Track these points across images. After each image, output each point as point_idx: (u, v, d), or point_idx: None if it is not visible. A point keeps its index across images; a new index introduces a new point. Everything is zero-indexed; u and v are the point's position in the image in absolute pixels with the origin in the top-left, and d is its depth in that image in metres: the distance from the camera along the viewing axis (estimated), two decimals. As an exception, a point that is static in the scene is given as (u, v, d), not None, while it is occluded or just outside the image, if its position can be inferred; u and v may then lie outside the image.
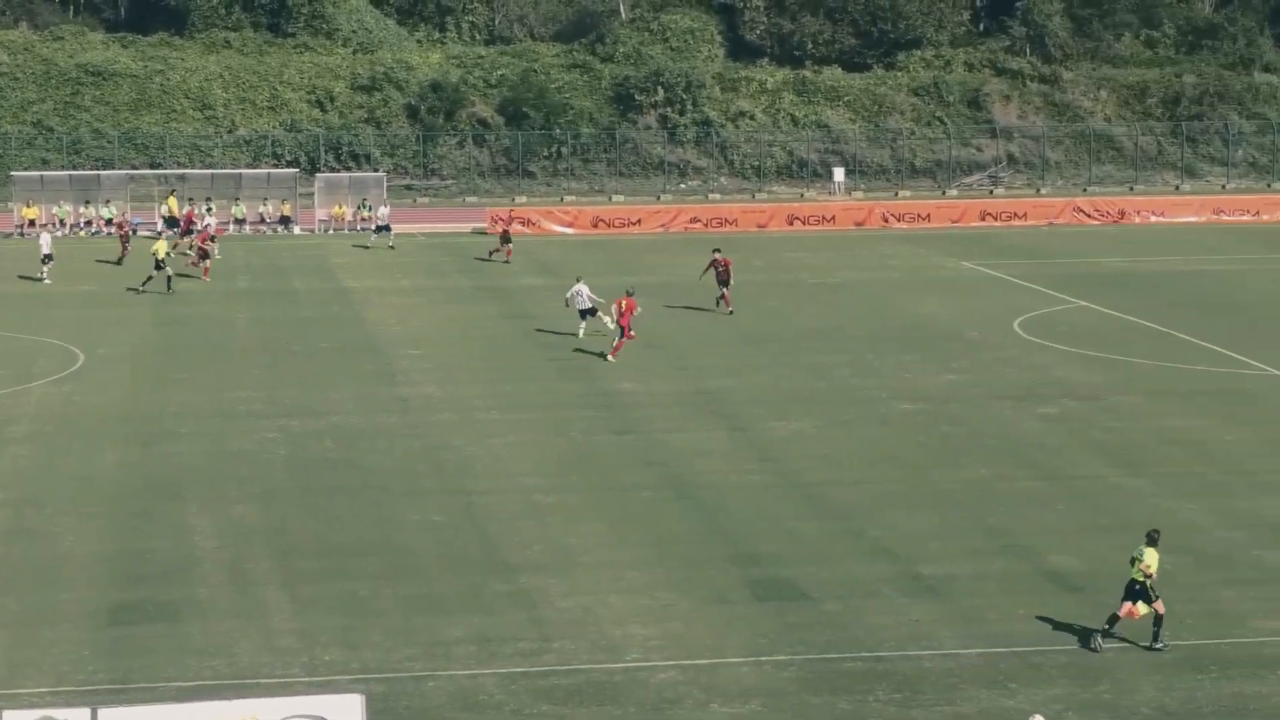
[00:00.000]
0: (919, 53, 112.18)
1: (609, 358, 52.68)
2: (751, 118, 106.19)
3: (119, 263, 72.38)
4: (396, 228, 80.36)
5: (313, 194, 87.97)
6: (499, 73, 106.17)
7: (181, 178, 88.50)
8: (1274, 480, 39.62)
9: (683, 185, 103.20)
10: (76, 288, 67.35)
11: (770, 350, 54.72)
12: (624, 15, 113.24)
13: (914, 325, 59.35)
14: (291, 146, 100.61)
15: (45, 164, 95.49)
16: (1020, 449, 42.40)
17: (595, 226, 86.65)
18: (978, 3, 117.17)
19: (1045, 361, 52.95)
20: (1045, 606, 31.02)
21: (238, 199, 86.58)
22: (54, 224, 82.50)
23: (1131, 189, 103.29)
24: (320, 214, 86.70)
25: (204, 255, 69.99)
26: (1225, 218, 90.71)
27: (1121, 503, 37.69)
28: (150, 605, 31.14)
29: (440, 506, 37.33)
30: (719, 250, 62.20)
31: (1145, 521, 34.48)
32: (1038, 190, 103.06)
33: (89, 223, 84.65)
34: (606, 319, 54.95)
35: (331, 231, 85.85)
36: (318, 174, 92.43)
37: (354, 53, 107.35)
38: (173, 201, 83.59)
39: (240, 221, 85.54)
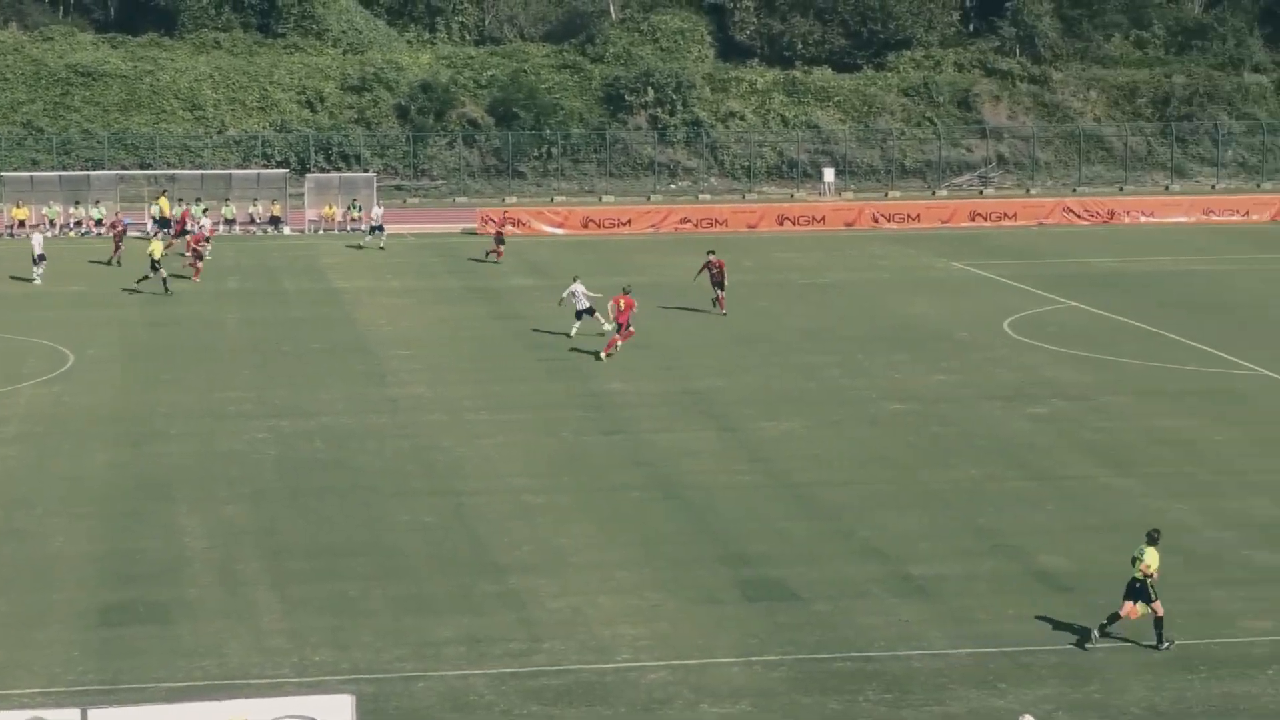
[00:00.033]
0: (909, 53, 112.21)
1: (602, 355, 52.70)
2: (741, 118, 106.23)
3: (110, 263, 72.37)
4: (387, 228, 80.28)
5: (303, 194, 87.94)
6: (489, 73, 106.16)
7: (171, 178, 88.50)
8: (1263, 480, 39.68)
9: (673, 186, 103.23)
10: (66, 288, 67.28)
11: (760, 350, 54.74)
12: (614, 16, 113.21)
13: (904, 326, 59.39)
14: (281, 147, 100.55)
15: (35, 164, 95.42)
16: (1010, 449, 42.45)
17: (585, 227, 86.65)
18: (967, 3, 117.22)
19: (1035, 362, 53.01)
20: (1035, 607, 31.05)
21: (228, 199, 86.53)
22: (44, 225, 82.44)
23: (1121, 189, 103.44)
24: (310, 214, 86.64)
25: (198, 256, 69.95)
26: (1215, 218, 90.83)
27: (1111, 503, 37.74)
28: (140, 606, 31.13)
29: (430, 507, 37.33)
30: (713, 252, 62.14)
31: (1135, 521, 34.61)
32: (1027, 190, 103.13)
33: (79, 223, 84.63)
34: (606, 324, 54.89)
35: (321, 232, 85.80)
36: (308, 174, 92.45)
37: (344, 53, 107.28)
38: (164, 202, 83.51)
39: (230, 222, 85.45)
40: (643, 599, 31.51)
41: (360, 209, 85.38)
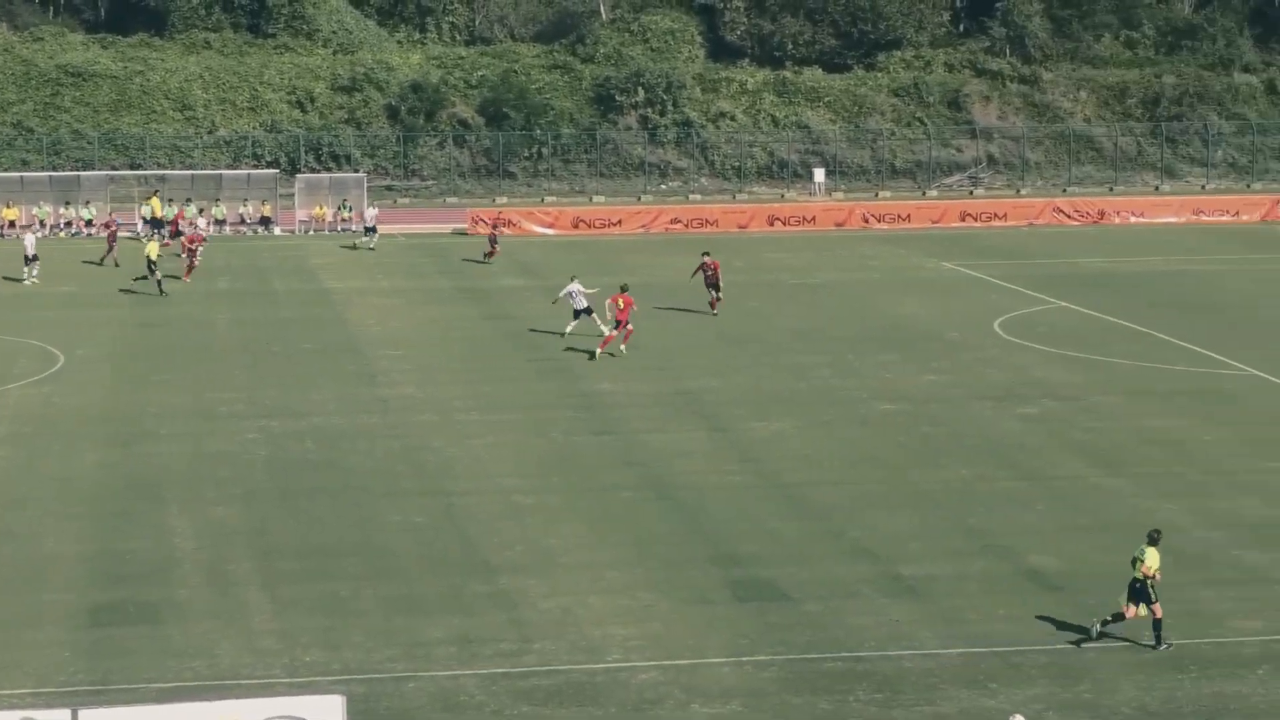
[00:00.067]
0: (899, 53, 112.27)
1: (596, 354, 52.72)
2: (732, 118, 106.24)
3: (103, 263, 72.29)
4: (378, 229, 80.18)
5: (293, 195, 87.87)
6: (479, 73, 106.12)
7: (162, 178, 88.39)
8: (1252, 480, 39.73)
9: (663, 186, 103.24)
10: (56, 288, 67.22)
11: (751, 351, 54.76)
12: (604, 16, 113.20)
13: (894, 326, 59.42)
14: (272, 147, 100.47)
15: (25, 165, 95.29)
16: (1000, 449, 42.47)
17: (576, 227, 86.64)
18: (957, 3, 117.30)
19: (1025, 362, 53.05)
20: (1025, 606, 31.08)
21: (218, 200, 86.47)
22: (35, 225, 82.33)
23: (1111, 189, 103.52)
24: (301, 215, 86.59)
25: (191, 255, 69.83)
26: (1205, 218, 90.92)
27: (1101, 503, 37.78)
28: (131, 606, 31.11)
29: (421, 507, 37.32)
30: (708, 253, 62.07)
31: (1125, 521, 34.71)
32: (1018, 191, 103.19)
33: (69, 224, 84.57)
34: (603, 326, 54.85)
35: (312, 232, 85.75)
36: (298, 175, 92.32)
37: (334, 53, 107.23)
38: (155, 202, 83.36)
39: (220, 222, 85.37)
40: (633, 599, 31.51)
41: (350, 209, 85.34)
